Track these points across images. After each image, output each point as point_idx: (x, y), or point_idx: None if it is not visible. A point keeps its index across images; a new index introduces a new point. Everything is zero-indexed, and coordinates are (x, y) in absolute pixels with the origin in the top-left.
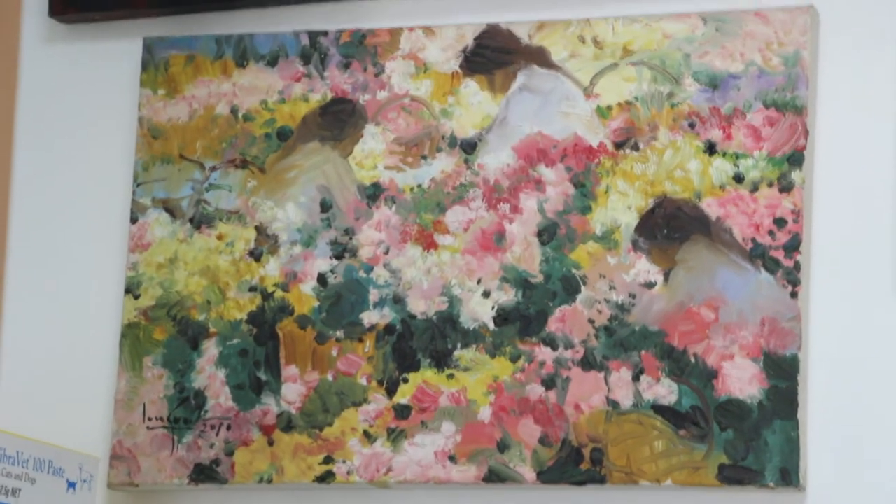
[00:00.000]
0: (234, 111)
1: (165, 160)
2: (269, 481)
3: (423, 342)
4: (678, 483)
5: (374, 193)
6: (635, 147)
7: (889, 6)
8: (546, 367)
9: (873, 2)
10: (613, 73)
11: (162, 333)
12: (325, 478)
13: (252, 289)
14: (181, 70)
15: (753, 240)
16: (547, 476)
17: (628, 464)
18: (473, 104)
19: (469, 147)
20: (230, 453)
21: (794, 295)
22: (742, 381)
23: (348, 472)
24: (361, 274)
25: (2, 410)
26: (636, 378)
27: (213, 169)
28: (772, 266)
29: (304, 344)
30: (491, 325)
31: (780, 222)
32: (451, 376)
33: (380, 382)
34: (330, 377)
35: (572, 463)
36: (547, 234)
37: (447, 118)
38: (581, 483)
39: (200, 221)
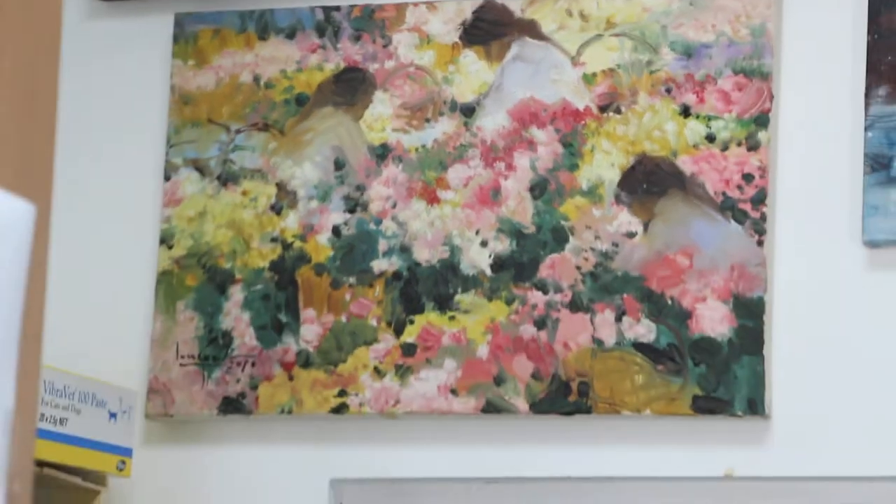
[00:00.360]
0: (256, 79)
1: (195, 124)
2: (290, 412)
3: (427, 287)
4: (656, 412)
5: (382, 153)
6: (618, 110)
7: None
8: (538, 310)
9: None
10: (598, 44)
11: (193, 280)
12: (340, 409)
13: (273, 240)
14: (209, 42)
15: (724, 193)
16: (539, 407)
17: (612, 395)
18: (472, 72)
19: (468, 111)
20: (254, 387)
21: (760, 243)
22: (714, 320)
23: (360, 404)
24: (372, 226)
25: (51, 349)
26: (619, 319)
27: (238, 132)
28: (740, 217)
29: (321, 289)
30: (488, 272)
31: (747, 178)
32: (452, 318)
33: (388, 324)
34: (344, 319)
35: (561, 395)
36: (538, 189)
37: (448, 85)
38: (569, 413)
39: (227, 179)
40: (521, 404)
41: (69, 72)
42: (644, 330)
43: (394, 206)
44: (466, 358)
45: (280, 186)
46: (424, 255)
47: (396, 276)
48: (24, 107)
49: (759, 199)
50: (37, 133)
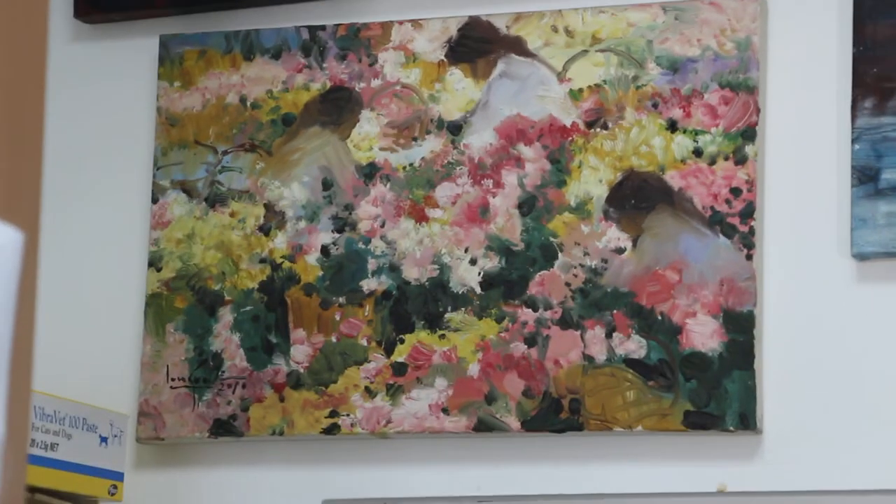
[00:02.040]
0: (242, 100)
1: (182, 146)
2: (281, 434)
3: (417, 306)
4: (648, 429)
5: (370, 172)
6: (605, 126)
7: None
8: (528, 327)
9: None
10: (584, 59)
11: (182, 302)
12: (331, 430)
13: (262, 260)
14: (194, 64)
15: (712, 208)
16: (530, 425)
17: (603, 412)
18: (458, 90)
19: (455, 129)
20: (245, 409)
21: (749, 257)
22: (704, 335)
23: (352, 425)
24: (360, 245)
25: (41, 374)
26: (609, 335)
27: (225, 153)
28: (729, 231)
29: (310, 309)
30: (478, 290)
31: (735, 192)
32: (442, 336)
33: (379, 343)
34: (334, 339)
35: (553, 413)
36: (526, 206)
37: (435, 103)
38: (561, 431)
39: (215, 200)
40: (513, 422)
41: (53, 95)
42: (634, 346)
43: (382, 225)
44: (457, 376)
45: (268, 207)
46: (414, 273)
47: (386, 295)
48: (10, 133)
49: (748, 213)
50: (24, 159)
